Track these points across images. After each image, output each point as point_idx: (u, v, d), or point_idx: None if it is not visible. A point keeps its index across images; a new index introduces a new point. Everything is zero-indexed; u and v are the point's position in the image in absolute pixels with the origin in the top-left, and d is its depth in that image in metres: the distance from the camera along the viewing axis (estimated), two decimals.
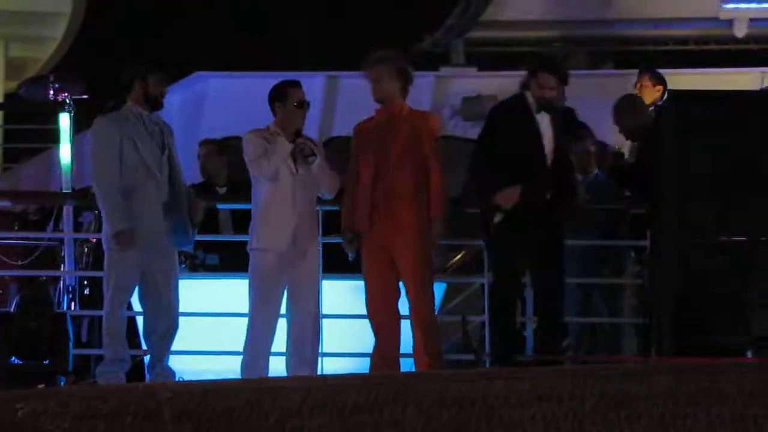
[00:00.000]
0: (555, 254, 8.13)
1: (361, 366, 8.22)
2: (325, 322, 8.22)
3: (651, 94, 9.72)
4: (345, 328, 8.57)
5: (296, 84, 8.00)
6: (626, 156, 9.58)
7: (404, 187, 7.78)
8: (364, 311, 7.95)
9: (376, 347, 7.90)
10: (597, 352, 9.15)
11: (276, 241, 7.78)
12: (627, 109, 9.15)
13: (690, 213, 7.96)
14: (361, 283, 7.96)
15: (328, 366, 8.45)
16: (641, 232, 8.82)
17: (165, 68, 8.10)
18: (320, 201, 8.11)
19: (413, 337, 7.85)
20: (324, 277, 8.27)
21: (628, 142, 9.56)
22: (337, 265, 8.56)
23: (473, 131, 12.12)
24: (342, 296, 8.66)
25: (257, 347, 7.78)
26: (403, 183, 7.79)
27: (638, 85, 9.85)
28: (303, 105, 7.93)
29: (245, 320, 7.84)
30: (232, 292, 8.02)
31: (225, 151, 9.86)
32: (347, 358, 8.59)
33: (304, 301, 7.81)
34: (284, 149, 7.81)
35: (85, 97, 9.99)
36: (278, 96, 7.95)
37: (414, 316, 7.83)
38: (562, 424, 4.12)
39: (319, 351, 8.07)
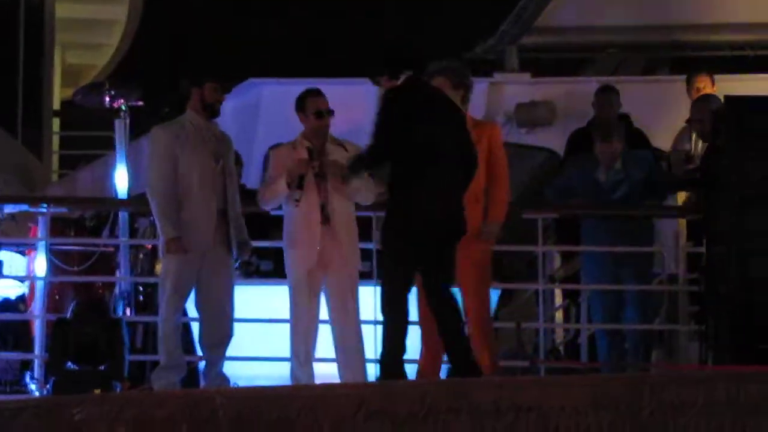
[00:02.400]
0: None
1: (412, 372, 8.18)
2: (378, 328, 8.19)
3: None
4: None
5: (315, 92, 7.88)
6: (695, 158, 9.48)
7: (473, 193, 7.71)
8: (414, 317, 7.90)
9: (426, 354, 7.84)
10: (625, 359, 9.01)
11: (302, 263, 7.77)
12: (705, 107, 9.07)
13: (747, 219, 7.88)
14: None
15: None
16: (697, 239, 8.74)
17: (220, 76, 8.12)
18: (372, 207, 8.07)
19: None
20: (377, 284, 8.25)
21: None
22: None
23: (527, 138, 12.07)
24: None
25: (300, 355, 7.81)
26: (473, 189, 7.72)
27: (695, 88, 9.73)
28: (321, 114, 7.82)
29: None
30: (286, 298, 8.02)
31: None
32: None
33: (341, 310, 7.80)
34: (298, 167, 7.70)
35: (141, 103, 10.04)
36: (299, 106, 7.90)
37: (472, 321, 7.77)
38: None
39: (372, 357, 8.05)
